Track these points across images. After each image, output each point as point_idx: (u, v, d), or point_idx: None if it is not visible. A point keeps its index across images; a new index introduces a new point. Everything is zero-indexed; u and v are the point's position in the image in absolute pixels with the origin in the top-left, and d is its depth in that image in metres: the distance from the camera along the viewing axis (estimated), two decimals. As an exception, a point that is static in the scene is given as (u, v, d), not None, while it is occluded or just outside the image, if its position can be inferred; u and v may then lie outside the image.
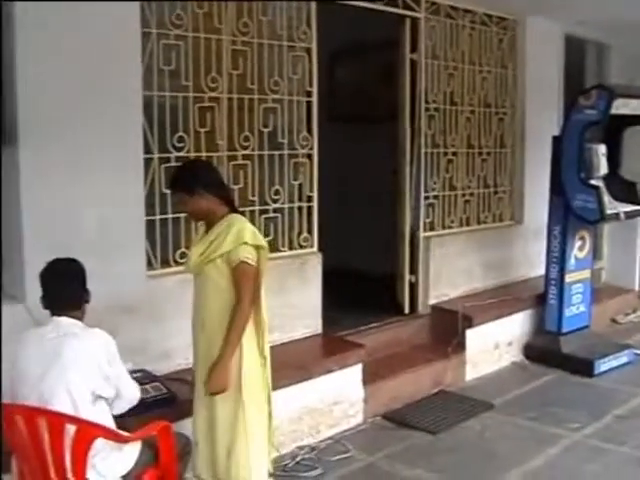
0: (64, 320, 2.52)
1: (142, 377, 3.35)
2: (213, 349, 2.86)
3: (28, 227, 3.18)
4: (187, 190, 2.87)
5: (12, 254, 3.25)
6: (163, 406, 3.22)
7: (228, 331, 2.77)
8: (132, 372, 3.27)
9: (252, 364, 2.88)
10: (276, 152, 4.26)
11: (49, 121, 3.22)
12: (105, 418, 2.46)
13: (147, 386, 3.30)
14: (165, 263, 3.82)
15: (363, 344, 4.26)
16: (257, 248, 2.89)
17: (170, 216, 3.86)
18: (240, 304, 2.77)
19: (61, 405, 2.33)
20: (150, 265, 3.79)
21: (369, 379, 4.21)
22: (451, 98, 5.49)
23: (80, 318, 2.56)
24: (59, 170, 3.26)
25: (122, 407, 2.58)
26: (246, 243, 2.84)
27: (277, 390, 3.27)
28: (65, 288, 2.52)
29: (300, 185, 4.40)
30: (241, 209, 4.05)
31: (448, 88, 5.46)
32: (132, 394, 2.62)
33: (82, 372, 2.39)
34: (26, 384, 2.38)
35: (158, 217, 3.79)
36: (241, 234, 2.85)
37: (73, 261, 2.59)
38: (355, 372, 4.16)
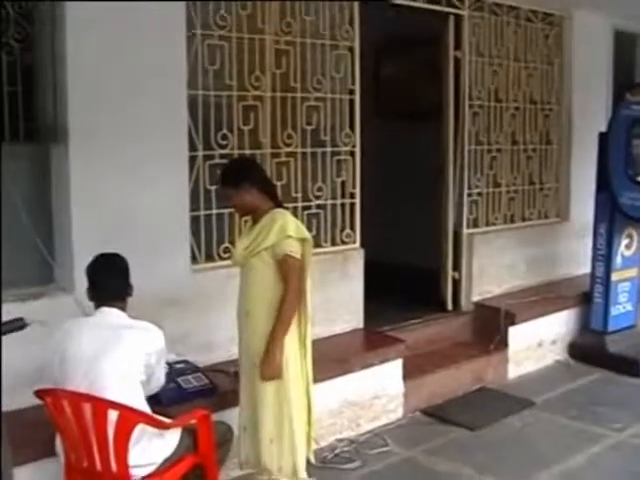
0: (111, 311, 2.61)
1: (184, 367, 3.40)
2: (256, 338, 2.89)
3: (77, 222, 3.25)
4: (234, 185, 2.94)
5: (63, 248, 3.31)
6: (204, 396, 3.26)
7: (276, 322, 2.82)
8: (175, 362, 3.43)
9: (292, 354, 2.91)
10: (319, 149, 4.26)
11: (98, 119, 3.29)
12: (143, 402, 2.55)
13: (189, 376, 3.35)
14: (209, 258, 3.84)
15: (404, 339, 4.26)
16: (301, 241, 2.91)
17: (214, 212, 3.85)
18: (287, 296, 2.81)
19: (113, 390, 2.42)
20: (195, 260, 3.77)
21: (409, 374, 4.20)
22: (496, 95, 5.40)
23: (124, 309, 2.65)
24: (107, 167, 3.31)
25: (146, 393, 2.66)
26: (290, 236, 2.87)
27: (318, 383, 3.23)
28: (110, 281, 2.61)
29: (343, 182, 4.40)
30: (284, 205, 4.12)
31: (493, 85, 5.38)
32: (158, 385, 2.73)
33: (135, 362, 2.49)
34: (77, 369, 2.46)
35: (202, 213, 3.81)
36: (285, 227, 2.88)
37: (117, 256, 2.67)
38: (395, 367, 4.15)
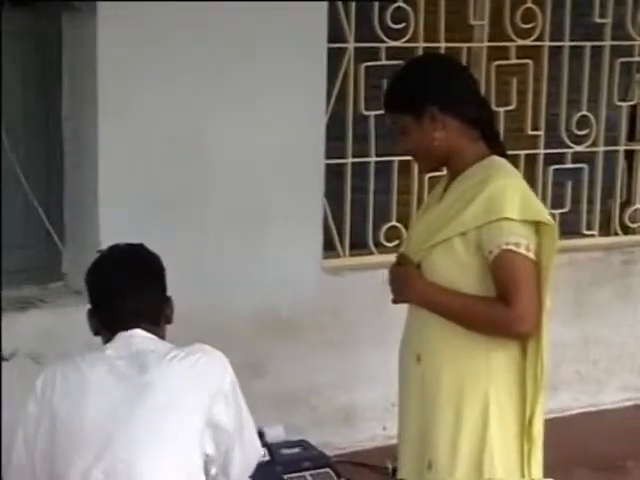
0: (134, 334, 2.52)
1: (301, 455, 3.47)
2: (436, 410, 2.77)
3: (108, 175, 3.32)
4: (410, 110, 2.79)
5: (80, 220, 3.38)
6: None
7: (465, 298, 2.72)
8: (283, 445, 3.43)
9: (505, 448, 2.76)
10: (586, 43, 4.15)
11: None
12: None
13: (308, 474, 3.38)
14: (359, 247, 3.87)
15: None
16: (533, 226, 2.72)
17: (373, 159, 3.81)
18: (513, 307, 2.64)
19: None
20: (330, 249, 3.77)
21: None
22: None
23: (159, 336, 2.60)
24: (168, 68, 3.34)
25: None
26: (509, 219, 2.67)
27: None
28: (134, 292, 2.55)
29: (634, 110, 4.32)
30: (509, 152, 3.88)
31: None
32: (253, 457, 2.65)
33: (192, 420, 2.44)
34: (79, 449, 2.41)
35: (350, 161, 3.80)
36: (500, 201, 2.68)
37: (142, 249, 2.63)
38: None
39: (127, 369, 2.47)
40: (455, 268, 2.74)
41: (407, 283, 2.81)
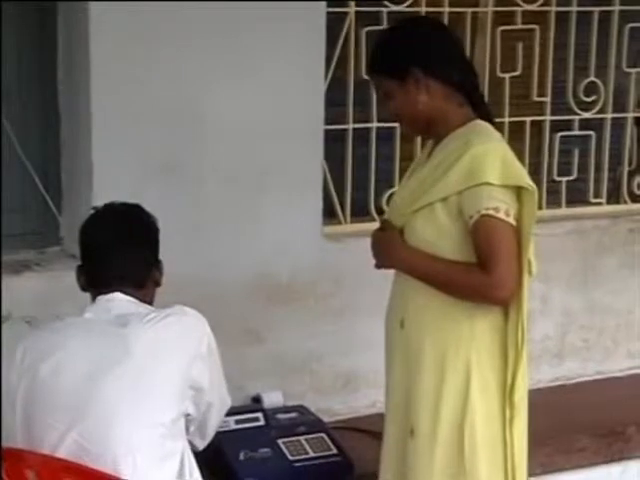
0: (114, 297, 2.53)
1: (296, 420, 3.43)
2: (421, 376, 2.78)
3: (101, 137, 3.27)
4: (394, 73, 2.78)
5: (75, 185, 3.39)
6: (328, 478, 3.28)
7: (445, 264, 2.74)
8: (282, 409, 3.46)
9: (487, 415, 2.77)
10: (594, 8, 4.10)
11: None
12: (189, 466, 2.50)
13: (302, 439, 3.34)
14: (360, 213, 3.83)
15: None
16: (514, 191, 2.70)
17: (375, 125, 3.77)
18: (491, 272, 2.64)
19: (128, 444, 2.40)
20: (331, 216, 3.74)
21: None
22: None
23: (141, 300, 2.59)
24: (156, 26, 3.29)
25: (208, 437, 2.67)
26: (489, 184, 2.64)
27: (547, 475, 3.11)
28: (121, 252, 2.57)
29: None
30: (514, 119, 3.93)
31: None
32: (222, 415, 2.72)
33: (172, 379, 2.47)
34: (57, 405, 2.43)
35: (351, 127, 3.77)
36: (480, 165, 2.67)
37: (138, 208, 2.65)
38: None
39: (106, 329, 2.47)
40: (437, 233, 2.74)
41: (389, 248, 2.80)
